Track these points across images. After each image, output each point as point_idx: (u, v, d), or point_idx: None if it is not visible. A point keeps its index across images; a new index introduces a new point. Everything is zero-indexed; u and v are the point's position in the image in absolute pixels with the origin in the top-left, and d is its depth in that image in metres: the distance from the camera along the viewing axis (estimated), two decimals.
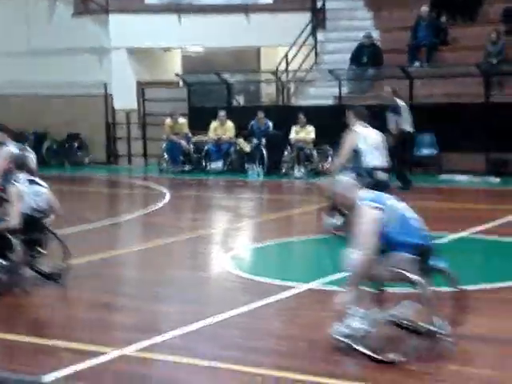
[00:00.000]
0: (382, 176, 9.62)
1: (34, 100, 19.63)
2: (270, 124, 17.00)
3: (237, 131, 17.33)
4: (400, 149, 13.57)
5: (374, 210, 5.49)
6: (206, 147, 17.38)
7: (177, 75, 19.52)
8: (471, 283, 7.09)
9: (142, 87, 19.63)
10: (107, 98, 19.40)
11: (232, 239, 10.83)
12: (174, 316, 7.06)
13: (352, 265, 5.49)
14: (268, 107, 18.23)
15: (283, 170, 16.51)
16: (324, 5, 19.58)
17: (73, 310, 7.10)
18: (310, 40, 19.17)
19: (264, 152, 16.70)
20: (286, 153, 16.55)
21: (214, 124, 17.46)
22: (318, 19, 19.46)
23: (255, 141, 16.92)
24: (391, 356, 5.40)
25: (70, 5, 19.49)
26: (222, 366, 5.55)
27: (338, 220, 9.62)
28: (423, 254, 5.57)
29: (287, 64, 18.68)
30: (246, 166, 17.01)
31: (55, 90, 19.34)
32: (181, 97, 19.09)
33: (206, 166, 17.34)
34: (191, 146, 17.63)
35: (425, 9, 17.71)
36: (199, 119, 17.93)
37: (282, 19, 18.87)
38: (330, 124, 16.00)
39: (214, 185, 16.42)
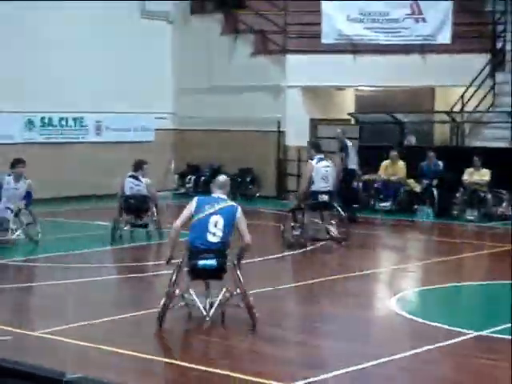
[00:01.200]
0: (324, 198, 12.48)
1: (211, 135, 20.42)
2: (441, 164, 16.68)
3: (407, 171, 17.13)
4: (344, 184, 14.92)
5: (192, 203, 7.66)
6: (375, 185, 17.33)
7: (349, 114, 19.64)
8: None
9: (314, 124, 19.90)
10: (280, 134, 19.84)
11: (399, 280, 10.69)
12: (338, 353, 7.07)
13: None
14: (440, 148, 17.91)
15: (455, 212, 16.12)
16: (504, 46, 19.07)
17: (237, 342, 7.24)
18: (488, 81, 18.70)
19: (435, 193, 16.41)
20: (458, 195, 16.16)
21: (385, 163, 17.38)
22: (498, 60, 18.96)
23: (426, 181, 16.68)
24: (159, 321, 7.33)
25: (249, 45, 20.21)
26: None
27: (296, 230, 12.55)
28: (194, 252, 7.54)
29: (463, 105, 18.31)
30: (416, 206, 16.76)
31: (231, 126, 20.04)
32: (352, 135, 19.15)
33: (374, 204, 17.26)
34: (360, 184, 17.61)
35: None
36: (369, 158, 17.89)
37: (460, 60, 18.53)
38: (507, 167, 15.55)
39: (381, 224, 16.29)
